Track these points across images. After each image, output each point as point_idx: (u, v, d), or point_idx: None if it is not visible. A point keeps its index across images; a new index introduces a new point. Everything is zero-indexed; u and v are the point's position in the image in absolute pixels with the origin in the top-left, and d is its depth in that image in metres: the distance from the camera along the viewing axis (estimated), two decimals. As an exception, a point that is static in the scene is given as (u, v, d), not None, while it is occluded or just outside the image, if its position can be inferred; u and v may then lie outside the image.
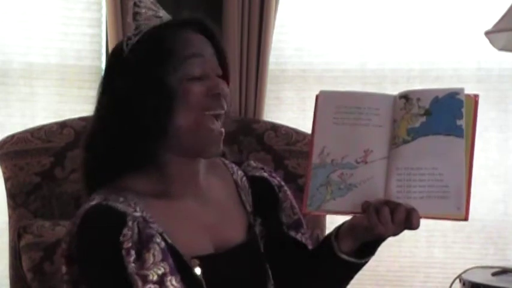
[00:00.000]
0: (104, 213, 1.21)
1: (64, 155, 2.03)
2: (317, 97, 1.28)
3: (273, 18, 2.87)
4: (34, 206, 2.01)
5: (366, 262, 1.35)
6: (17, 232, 1.98)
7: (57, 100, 2.94)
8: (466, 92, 1.25)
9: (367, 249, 1.32)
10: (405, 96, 1.24)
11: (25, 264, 1.94)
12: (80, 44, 2.97)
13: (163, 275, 1.17)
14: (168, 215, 1.27)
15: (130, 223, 1.19)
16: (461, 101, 1.22)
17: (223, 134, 1.31)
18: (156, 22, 1.30)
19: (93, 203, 1.23)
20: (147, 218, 1.23)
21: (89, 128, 1.35)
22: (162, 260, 1.18)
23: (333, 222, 1.37)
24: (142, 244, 1.19)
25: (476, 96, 1.24)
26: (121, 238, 1.18)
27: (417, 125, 1.23)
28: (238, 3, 2.85)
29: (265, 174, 1.47)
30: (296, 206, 1.45)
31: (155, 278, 1.16)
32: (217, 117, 1.29)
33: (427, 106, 1.23)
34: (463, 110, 1.22)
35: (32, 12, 2.90)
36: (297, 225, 1.45)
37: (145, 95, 1.24)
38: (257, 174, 1.46)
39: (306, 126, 2.34)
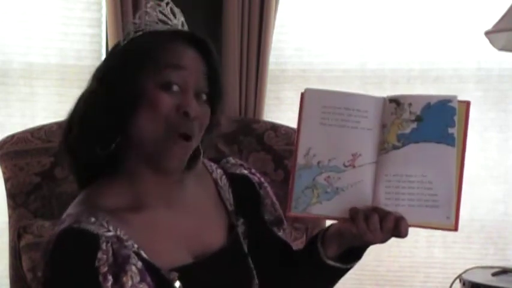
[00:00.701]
0: (76, 238, 1.17)
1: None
2: (302, 94, 1.25)
3: (273, 18, 2.87)
4: (34, 206, 2.01)
5: (352, 267, 1.33)
6: (17, 232, 1.98)
7: (57, 100, 2.94)
8: (463, 95, 1.23)
9: (352, 254, 1.31)
10: (396, 101, 1.21)
11: (25, 264, 1.94)
12: (80, 44, 2.97)
13: None
14: (142, 229, 1.23)
15: (104, 245, 1.16)
16: (454, 109, 1.20)
17: (189, 152, 1.26)
18: (160, 27, 1.28)
19: (65, 225, 1.19)
20: (121, 235, 1.19)
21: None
22: (141, 281, 1.16)
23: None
24: (119, 267, 1.16)
25: (468, 102, 1.21)
26: (96, 263, 1.15)
27: (408, 131, 1.20)
28: (238, 3, 2.85)
29: (245, 172, 1.43)
30: (276, 202, 1.43)
31: None
32: (185, 136, 1.23)
33: (419, 112, 1.20)
34: (456, 118, 1.20)
35: (32, 12, 2.91)
36: (278, 222, 1.42)
37: (114, 92, 1.24)
38: (237, 171, 1.43)
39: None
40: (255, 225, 1.39)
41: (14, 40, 2.89)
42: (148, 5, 1.29)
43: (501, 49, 2.44)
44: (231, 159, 1.45)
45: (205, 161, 1.41)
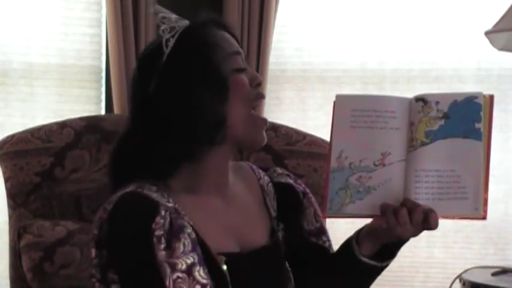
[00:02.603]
0: (138, 200, 1.21)
1: (64, 155, 2.03)
2: (334, 102, 1.28)
3: (273, 18, 2.87)
4: (34, 206, 2.01)
5: (387, 265, 1.36)
6: (17, 232, 1.98)
7: (57, 100, 2.94)
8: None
9: (387, 251, 1.33)
10: (422, 99, 1.25)
11: (25, 264, 1.94)
12: (80, 44, 2.97)
13: (192, 264, 1.17)
14: (196, 211, 1.27)
15: (163, 212, 1.20)
16: (479, 105, 1.23)
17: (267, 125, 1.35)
18: (184, 23, 1.31)
19: (128, 190, 1.23)
20: (179, 209, 1.23)
21: (124, 130, 1.33)
22: (192, 251, 1.19)
23: (348, 223, 1.37)
24: (173, 233, 1.19)
25: (491, 96, 1.25)
26: (153, 225, 1.18)
27: (435, 127, 1.23)
28: (238, 3, 2.85)
29: (291, 181, 1.48)
30: (319, 214, 1.46)
31: (184, 267, 1.17)
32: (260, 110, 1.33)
33: (446, 109, 1.23)
34: (482, 113, 1.23)
35: (32, 12, 2.91)
36: (319, 233, 1.45)
37: (202, 86, 1.26)
38: (283, 180, 1.47)
39: (306, 126, 2.35)
40: (293, 233, 1.43)
41: (14, 40, 2.89)
42: (160, 14, 1.32)
43: (501, 49, 2.44)
44: (278, 169, 1.50)
45: (254, 167, 1.48)
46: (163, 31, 1.30)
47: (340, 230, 2.07)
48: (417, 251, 2.91)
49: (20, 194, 2.01)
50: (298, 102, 3.03)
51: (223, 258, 1.24)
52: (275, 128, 2.19)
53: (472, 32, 2.83)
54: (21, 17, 2.90)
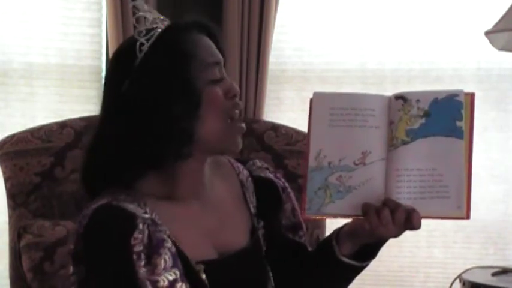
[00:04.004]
0: (114, 214, 1.18)
1: (64, 155, 2.03)
2: (311, 99, 1.28)
3: (273, 18, 2.87)
4: (34, 206, 2.01)
5: (367, 265, 1.34)
6: (17, 232, 1.98)
7: (57, 100, 2.94)
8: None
9: (368, 251, 1.32)
10: (402, 97, 1.23)
11: (25, 264, 1.94)
12: (80, 44, 2.97)
13: (174, 281, 1.16)
14: (173, 218, 1.25)
15: (140, 225, 1.17)
16: (460, 103, 1.23)
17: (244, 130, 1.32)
18: (162, 25, 1.28)
19: (102, 202, 1.20)
20: (156, 220, 1.21)
21: (95, 130, 1.29)
22: (173, 266, 1.17)
23: (333, 222, 1.37)
24: (153, 248, 1.16)
25: (472, 94, 1.24)
26: (132, 241, 1.15)
27: (416, 126, 1.22)
28: (238, 3, 2.85)
29: (271, 176, 1.46)
30: (298, 208, 1.44)
31: (166, 283, 1.15)
32: (238, 117, 1.30)
33: (427, 107, 1.22)
34: (463, 111, 1.22)
35: (32, 12, 2.90)
36: (295, 228, 1.44)
37: (172, 99, 1.22)
38: (262, 175, 1.45)
39: (306, 126, 2.34)
40: (272, 229, 1.42)
41: (14, 40, 2.89)
42: (138, 13, 1.31)
43: (501, 49, 2.44)
44: (257, 162, 1.47)
45: (233, 161, 1.44)
46: (138, 33, 1.26)
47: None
48: (417, 251, 2.91)
49: (20, 194, 2.01)
50: (298, 102, 3.03)
51: (202, 267, 1.23)
52: (275, 128, 2.20)
53: (472, 32, 2.83)
54: (21, 17, 2.89)
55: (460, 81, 2.91)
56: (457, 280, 2.42)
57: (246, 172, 1.43)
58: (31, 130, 2.08)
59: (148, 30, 1.27)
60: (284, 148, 2.17)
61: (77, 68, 2.95)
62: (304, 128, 2.28)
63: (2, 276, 2.49)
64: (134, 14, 1.30)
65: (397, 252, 2.86)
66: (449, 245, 2.94)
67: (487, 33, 2.40)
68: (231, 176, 1.41)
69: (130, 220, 1.17)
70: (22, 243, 1.95)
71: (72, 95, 2.95)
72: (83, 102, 2.96)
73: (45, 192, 2.01)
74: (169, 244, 1.19)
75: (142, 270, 1.15)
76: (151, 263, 1.16)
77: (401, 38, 2.97)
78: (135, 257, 1.15)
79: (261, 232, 1.40)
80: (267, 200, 1.42)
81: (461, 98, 1.23)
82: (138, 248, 1.16)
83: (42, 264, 1.91)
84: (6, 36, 2.88)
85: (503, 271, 2.43)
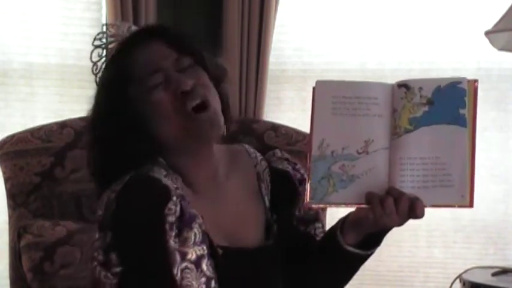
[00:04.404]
0: (150, 183, 1.20)
1: (64, 155, 2.03)
2: (313, 88, 1.26)
3: (273, 18, 2.87)
4: (34, 206, 2.01)
5: (372, 253, 1.35)
6: (17, 232, 1.98)
7: (57, 100, 2.94)
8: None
9: (372, 240, 1.32)
10: (405, 85, 1.23)
11: (25, 264, 1.94)
12: (80, 44, 2.96)
13: (202, 256, 1.18)
14: (194, 205, 1.26)
15: (174, 198, 1.19)
16: (464, 90, 1.22)
17: (217, 114, 1.30)
18: (114, 44, 1.38)
19: (138, 172, 1.22)
20: (185, 197, 1.23)
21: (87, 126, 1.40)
22: (202, 242, 1.19)
23: (333, 217, 1.37)
24: (184, 222, 1.18)
25: (475, 81, 1.23)
26: (166, 211, 1.17)
27: (419, 114, 1.22)
28: (238, 3, 2.85)
29: (289, 168, 1.46)
30: None
31: (194, 257, 1.17)
32: (199, 107, 1.28)
33: (429, 95, 1.22)
34: (466, 99, 1.21)
35: (32, 12, 2.90)
36: (309, 221, 1.44)
37: (114, 117, 1.30)
38: (280, 166, 1.45)
39: (306, 126, 2.34)
40: (284, 223, 1.42)
41: (14, 40, 2.89)
42: (97, 42, 1.44)
43: (501, 49, 2.44)
44: (278, 152, 1.48)
45: (252, 150, 1.45)
46: (96, 55, 1.40)
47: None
48: (417, 251, 2.90)
49: (20, 194, 2.01)
50: (298, 102, 3.03)
51: (220, 251, 1.25)
52: (275, 128, 2.20)
53: (472, 32, 2.83)
54: (21, 17, 2.89)
55: (460, 81, 2.91)
56: (457, 280, 2.42)
57: (264, 163, 1.44)
58: (31, 130, 2.08)
59: (100, 54, 1.43)
60: (284, 148, 2.17)
61: (77, 68, 2.95)
62: (304, 128, 2.28)
63: (2, 276, 2.49)
64: (98, 34, 1.43)
65: (397, 252, 2.86)
66: (449, 245, 2.94)
67: (487, 33, 2.40)
68: (247, 167, 1.41)
69: (165, 191, 1.19)
70: (22, 243, 1.95)
71: (72, 95, 2.95)
72: (83, 102, 2.94)
73: (45, 192, 2.01)
74: (200, 221, 1.21)
75: (173, 241, 1.16)
76: (182, 235, 1.17)
77: (401, 38, 2.97)
78: (167, 226, 1.16)
79: (275, 227, 1.41)
80: (283, 193, 1.43)
81: (465, 86, 1.22)
82: (171, 218, 1.17)
83: (42, 264, 1.91)
84: (6, 36, 2.88)
85: (503, 271, 2.43)
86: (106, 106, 1.32)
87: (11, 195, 2.04)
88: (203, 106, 1.28)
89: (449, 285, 2.48)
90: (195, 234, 1.18)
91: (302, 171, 1.46)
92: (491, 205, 2.90)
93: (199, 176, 1.31)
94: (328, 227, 1.42)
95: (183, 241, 1.17)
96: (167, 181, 1.21)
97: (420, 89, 1.22)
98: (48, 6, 2.92)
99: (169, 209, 1.17)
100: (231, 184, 1.36)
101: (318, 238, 1.44)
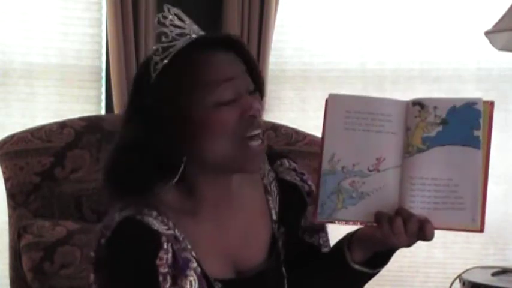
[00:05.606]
0: (139, 230, 1.16)
1: (64, 155, 2.03)
2: (326, 101, 1.23)
3: (273, 18, 2.87)
4: (34, 206, 2.00)
5: (378, 272, 1.34)
6: (17, 232, 1.98)
7: (57, 100, 2.94)
8: (463, 94, 1.22)
9: (379, 258, 1.31)
10: (420, 103, 1.20)
11: (25, 264, 1.93)
12: (80, 44, 2.97)
13: None
14: (193, 234, 1.22)
15: (165, 245, 1.15)
16: (479, 112, 1.19)
17: (264, 149, 1.26)
18: (183, 41, 1.23)
19: (127, 214, 1.18)
20: (178, 236, 1.19)
21: (120, 135, 1.27)
22: None
23: (337, 227, 1.36)
24: (179, 269, 1.15)
25: (492, 103, 1.21)
26: (157, 262, 1.14)
27: (433, 134, 1.19)
28: (238, 3, 2.85)
29: (297, 179, 1.41)
30: None
31: None
32: (255, 136, 1.23)
33: (444, 115, 1.19)
34: (481, 120, 1.19)
35: (32, 12, 2.91)
36: (314, 230, 1.40)
37: (168, 124, 1.20)
38: (288, 178, 1.40)
39: (306, 126, 2.34)
40: (292, 235, 1.38)
41: (14, 40, 2.89)
42: (157, 29, 1.24)
43: (501, 49, 2.44)
44: (286, 162, 1.42)
45: None
46: (154, 51, 1.23)
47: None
48: (417, 251, 2.91)
49: (20, 194, 2.01)
50: (298, 102, 3.03)
51: (220, 285, 1.22)
52: (275, 128, 2.19)
53: (472, 32, 2.83)
54: (21, 17, 2.90)
55: (460, 81, 2.91)
56: (457, 280, 2.42)
57: (271, 174, 1.40)
58: (31, 130, 2.08)
59: (165, 49, 1.22)
60: (284, 148, 2.16)
61: (77, 68, 2.96)
62: (304, 128, 2.28)
63: (2, 276, 2.49)
64: (155, 29, 1.25)
65: (397, 252, 2.86)
66: (449, 245, 2.94)
67: (487, 33, 2.40)
68: (254, 181, 1.37)
69: (156, 239, 1.15)
70: (22, 243, 1.95)
71: (72, 95, 2.96)
72: (83, 102, 2.97)
73: (45, 192, 2.01)
74: (194, 264, 1.18)
75: None
76: (177, 283, 1.15)
77: (401, 38, 2.97)
78: (161, 278, 1.14)
79: (281, 240, 1.37)
80: (291, 205, 1.39)
81: (480, 107, 1.19)
82: (164, 269, 1.14)
83: (42, 264, 1.91)
84: (6, 36, 2.88)
85: (503, 271, 2.43)
86: (167, 108, 1.21)
87: (11, 195, 2.03)
88: (259, 137, 1.23)
89: (449, 285, 2.48)
90: (191, 282, 1.16)
91: (310, 182, 1.42)
92: (491, 205, 2.87)
93: (214, 197, 1.26)
94: (330, 236, 1.40)
95: None
96: (157, 224, 1.17)
97: (435, 108, 1.19)
98: (48, 6, 2.92)
99: (161, 259, 1.14)
100: (238, 202, 1.31)
101: (323, 248, 1.41)
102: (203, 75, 1.20)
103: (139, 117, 1.22)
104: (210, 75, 1.21)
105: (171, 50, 1.22)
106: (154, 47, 1.23)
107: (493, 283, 2.30)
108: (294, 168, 1.43)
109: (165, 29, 1.24)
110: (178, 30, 1.24)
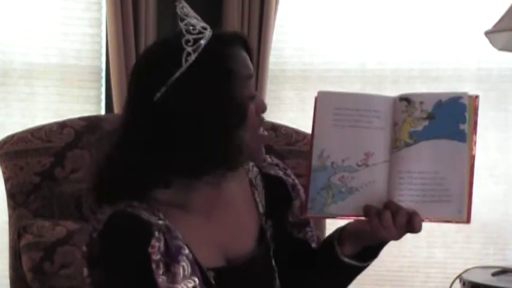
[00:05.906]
0: (130, 222, 1.17)
1: (64, 155, 2.03)
2: (316, 98, 1.26)
3: (273, 18, 2.88)
4: (34, 206, 2.00)
5: (368, 265, 1.35)
6: (17, 232, 1.98)
7: (57, 100, 2.95)
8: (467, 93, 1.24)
9: (369, 252, 1.32)
10: (406, 99, 1.22)
11: (25, 264, 1.94)
12: (80, 44, 2.97)
13: None
14: (185, 226, 1.23)
15: (156, 233, 1.16)
16: (464, 106, 1.22)
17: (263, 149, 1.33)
18: (207, 35, 1.23)
19: (117, 208, 1.19)
20: (170, 226, 1.20)
21: (118, 133, 1.26)
22: (192, 274, 1.17)
23: (333, 223, 1.37)
24: (171, 256, 1.16)
25: (476, 97, 1.23)
26: (149, 250, 1.15)
27: (420, 128, 1.22)
28: (238, 3, 2.85)
29: (281, 173, 1.45)
30: None
31: None
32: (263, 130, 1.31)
33: (430, 110, 1.21)
34: (467, 114, 1.21)
35: (32, 12, 2.91)
36: (301, 225, 1.43)
37: (221, 113, 1.20)
38: (272, 172, 1.44)
39: (306, 126, 2.34)
40: (280, 228, 1.41)
41: (14, 40, 2.90)
42: (184, 20, 1.23)
43: (501, 49, 2.44)
44: (268, 158, 1.45)
45: None
46: (186, 42, 1.21)
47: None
48: (417, 251, 2.91)
49: (20, 194, 2.01)
50: (298, 102, 3.03)
51: (212, 273, 1.23)
52: (275, 128, 2.19)
53: (472, 32, 2.83)
54: (21, 17, 2.90)
55: (460, 81, 2.91)
56: (457, 280, 2.42)
57: (255, 170, 1.42)
58: (31, 130, 2.08)
59: (195, 40, 1.22)
60: (284, 148, 2.16)
61: (77, 68, 2.96)
62: (304, 128, 2.28)
63: (2, 276, 2.49)
64: (182, 19, 1.23)
65: (397, 252, 2.86)
66: (449, 245, 2.94)
67: (487, 33, 2.40)
68: (241, 175, 1.38)
69: (147, 228, 1.16)
70: (22, 243, 1.95)
71: (72, 95, 2.96)
72: (82, 102, 2.97)
73: (45, 192, 2.01)
74: (186, 251, 1.19)
75: (162, 279, 1.14)
76: (170, 270, 1.15)
77: (401, 38, 2.98)
78: (154, 266, 1.15)
79: (269, 232, 1.40)
80: (276, 199, 1.41)
81: (465, 101, 1.22)
82: (156, 256, 1.15)
83: (42, 264, 1.91)
84: (6, 36, 2.88)
85: (503, 271, 2.43)
86: (194, 102, 1.20)
87: (11, 195, 2.03)
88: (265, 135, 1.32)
89: (449, 285, 2.48)
90: (184, 268, 1.16)
91: (293, 176, 1.46)
92: (491, 205, 2.90)
93: (204, 192, 1.27)
94: (327, 231, 1.41)
95: (172, 277, 1.15)
96: (147, 215, 1.18)
97: (421, 103, 1.22)
98: (48, 6, 2.92)
99: (153, 247, 1.15)
100: (226, 196, 1.33)
101: (310, 242, 1.43)
102: (236, 69, 1.23)
103: (150, 113, 1.20)
104: (243, 70, 1.25)
105: (201, 42, 1.22)
106: (184, 38, 1.21)
107: (493, 283, 2.30)
108: (276, 164, 1.47)
109: (190, 20, 1.24)
110: (202, 23, 1.25)
